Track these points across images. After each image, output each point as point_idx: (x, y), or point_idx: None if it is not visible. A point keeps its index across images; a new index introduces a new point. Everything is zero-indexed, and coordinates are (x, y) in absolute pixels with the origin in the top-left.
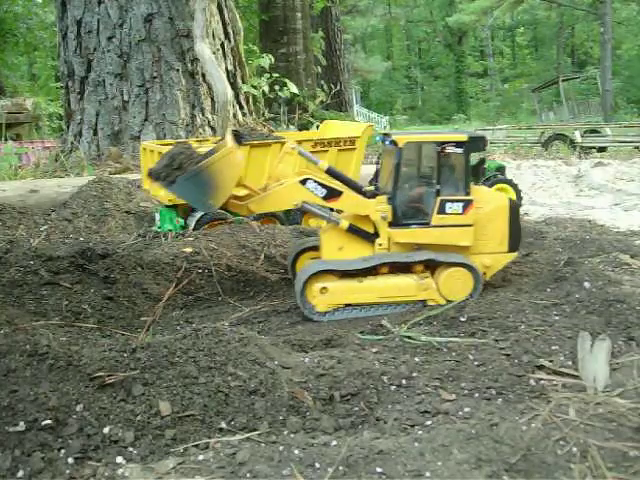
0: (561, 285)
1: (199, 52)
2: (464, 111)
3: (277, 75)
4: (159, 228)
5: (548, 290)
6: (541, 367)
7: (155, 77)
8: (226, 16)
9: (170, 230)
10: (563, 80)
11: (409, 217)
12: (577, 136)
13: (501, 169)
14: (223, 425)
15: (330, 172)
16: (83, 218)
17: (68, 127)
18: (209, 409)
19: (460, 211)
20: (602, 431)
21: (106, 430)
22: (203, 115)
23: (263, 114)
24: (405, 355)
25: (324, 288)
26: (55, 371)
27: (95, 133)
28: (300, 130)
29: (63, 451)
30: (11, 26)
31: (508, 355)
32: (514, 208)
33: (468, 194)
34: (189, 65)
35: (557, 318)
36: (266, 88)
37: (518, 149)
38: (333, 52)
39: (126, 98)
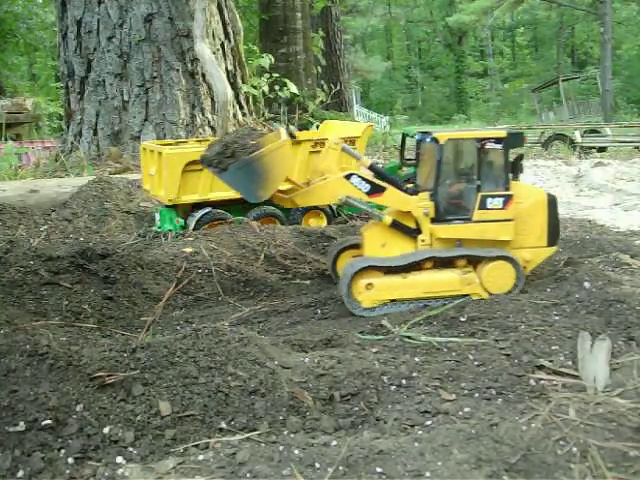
0: (561, 285)
1: (199, 52)
2: (464, 111)
3: (277, 75)
4: (159, 228)
5: (548, 290)
6: (541, 367)
7: (155, 77)
8: (226, 16)
9: (170, 230)
10: (563, 80)
11: (451, 213)
12: (577, 136)
13: None
14: (223, 425)
15: (373, 168)
16: (83, 218)
17: (68, 127)
18: (209, 409)
19: (501, 206)
20: (602, 431)
21: (106, 430)
22: (203, 115)
23: (263, 114)
24: (405, 355)
25: (369, 284)
26: (55, 371)
27: (95, 133)
28: (300, 130)
29: (63, 451)
30: (11, 26)
31: (508, 355)
32: (553, 203)
33: (508, 189)
34: (189, 65)
35: (557, 318)
36: (266, 88)
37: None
38: (333, 52)
39: (126, 98)
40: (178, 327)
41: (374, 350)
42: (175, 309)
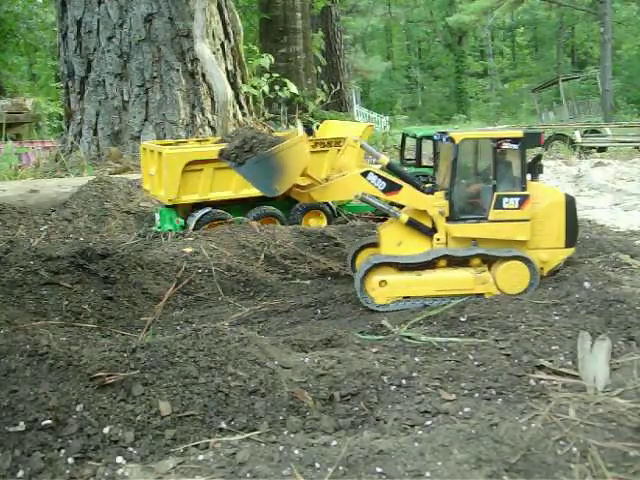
0: (561, 285)
1: (199, 52)
2: (464, 111)
3: (277, 75)
4: (159, 228)
5: (548, 290)
6: (541, 367)
7: (155, 77)
8: (226, 16)
9: (170, 230)
10: (563, 80)
11: (466, 212)
12: (577, 136)
13: None
14: (223, 425)
15: (391, 167)
16: (83, 218)
17: (68, 127)
18: (209, 409)
19: (517, 206)
20: (602, 431)
21: (106, 430)
22: (203, 115)
23: (263, 114)
24: (405, 355)
25: (383, 281)
26: (55, 371)
27: (95, 133)
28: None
29: (63, 451)
30: (11, 26)
31: (508, 355)
32: (571, 204)
33: (525, 189)
34: (189, 65)
35: (557, 318)
36: (266, 88)
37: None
38: (333, 52)
39: (126, 98)
40: (178, 327)
41: (374, 350)
42: (175, 309)
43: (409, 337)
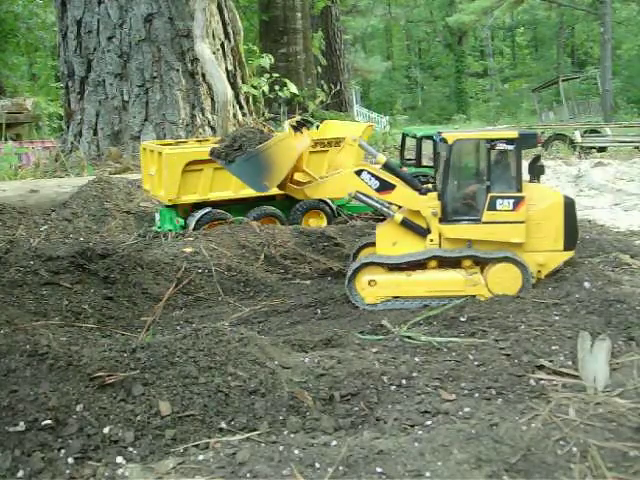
0: (561, 285)
1: (199, 52)
2: (464, 111)
3: (277, 75)
4: (159, 228)
5: (548, 290)
6: (541, 367)
7: (155, 77)
8: (226, 16)
9: (170, 230)
10: (563, 80)
11: (459, 213)
12: (577, 136)
13: None
14: (223, 425)
15: (387, 166)
16: (83, 218)
17: (68, 127)
18: (209, 409)
19: (511, 208)
20: (602, 431)
21: (106, 430)
22: (203, 115)
23: (263, 114)
24: (405, 355)
25: (372, 281)
26: (55, 371)
27: (95, 133)
28: None
29: (63, 451)
30: (11, 26)
31: (508, 355)
32: (570, 206)
33: (520, 191)
34: (189, 65)
35: (557, 318)
36: (266, 88)
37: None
38: (333, 52)
39: (126, 98)
40: (178, 327)
41: (374, 350)
42: (175, 309)
43: (409, 337)
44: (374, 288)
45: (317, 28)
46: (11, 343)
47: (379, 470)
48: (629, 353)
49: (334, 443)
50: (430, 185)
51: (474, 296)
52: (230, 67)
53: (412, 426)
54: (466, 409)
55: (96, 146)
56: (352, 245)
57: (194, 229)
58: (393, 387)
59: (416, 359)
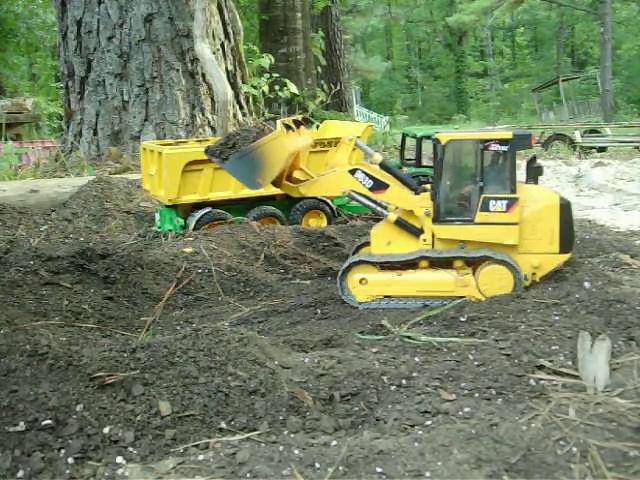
0: (561, 285)
1: (199, 52)
2: (464, 111)
3: (277, 75)
4: (159, 228)
5: (548, 290)
6: (541, 367)
7: (155, 77)
8: (226, 16)
9: (170, 230)
10: (563, 80)
11: (452, 214)
12: (577, 136)
13: None
14: (223, 425)
15: (383, 165)
16: (83, 218)
17: (68, 127)
18: (209, 409)
19: (504, 209)
20: (602, 431)
21: (106, 430)
22: (203, 115)
23: (263, 114)
24: (405, 355)
25: (363, 279)
26: (55, 371)
27: (95, 133)
28: None
29: (63, 451)
30: (12, 26)
31: (508, 355)
32: (566, 208)
33: (513, 192)
34: (189, 65)
35: (557, 318)
36: (266, 88)
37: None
38: (333, 52)
39: (126, 98)
40: (178, 327)
41: (374, 350)
42: (175, 309)
43: (409, 337)
44: (365, 286)
45: (317, 28)
46: (11, 343)
47: (379, 470)
48: (629, 353)
49: (334, 443)
50: (429, 185)
51: (463, 297)
52: (230, 67)
53: (412, 426)
54: (466, 409)
55: (96, 146)
56: (352, 245)
57: (194, 229)
58: (393, 387)
59: (416, 359)
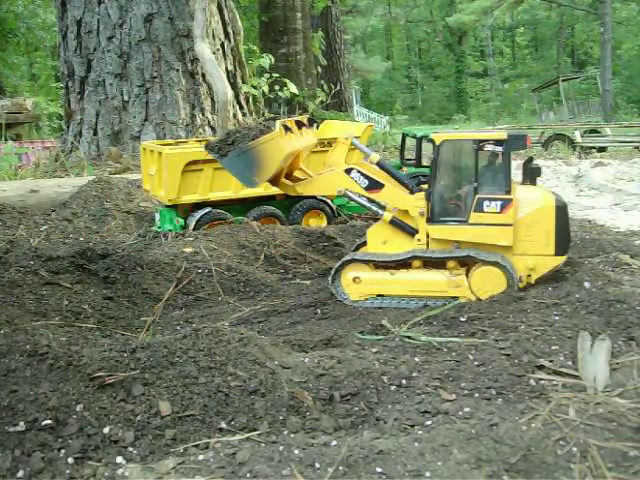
0: (561, 285)
1: (199, 52)
2: (464, 111)
3: (277, 75)
4: (159, 228)
5: (548, 290)
6: (541, 367)
7: (155, 77)
8: (226, 16)
9: (170, 230)
10: (563, 80)
11: (446, 214)
12: (577, 136)
13: None
14: (223, 425)
15: (380, 165)
16: (83, 218)
17: (68, 127)
18: (209, 409)
19: (498, 210)
20: (602, 431)
21: (106, 430)
22: (203, 115)
23: (263, 114)
24: (405, 355)
25: (357, 278)
26: (55, 371)
27: (95, 133)
28: None
29: (63, 451)
30: (12, 26)
31: (508, 355)
32: (562, 210)
33: (508, 193)
34: (189, 65)
35: (557, 318)
36: (266, 88)
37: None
38: (333, 52)
39: (126, 98)
40: (178, 327)
41: (374, 350)
42: (175, 309)
43: (409, 337)
44: (359, 285)
45: (317, 28)
46: (11, 343)
47: (379, 470)
48: (629, 353)
49: (334, 443)
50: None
51: (456, 297)
52: (230, 67)
53: (412, 426)
54: (466, 409)
55: (96, 146)
56: (352, 245)
57: (194, 229)
58: (393, 387)
59: (416, 359)
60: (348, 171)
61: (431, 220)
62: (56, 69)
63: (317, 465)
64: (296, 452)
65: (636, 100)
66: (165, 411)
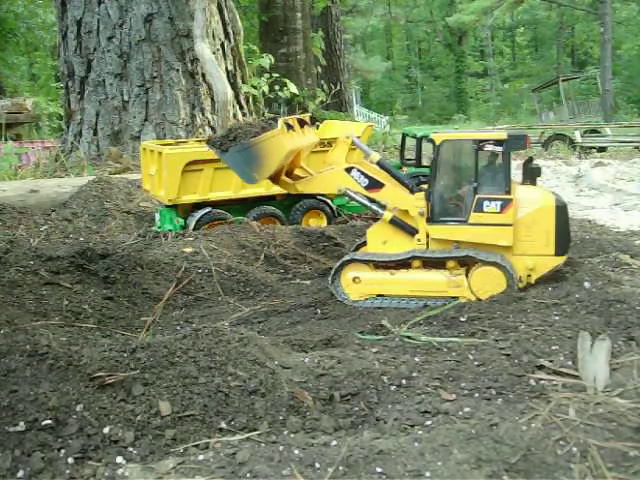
0: (561, 285)
1: (199, 52)
2: (464, 111)
3: (277, 75)
4: (159, 228)
5: (548, 290)
6: (541, 367)
7: (155, 77)
8: (226, 16)
9: (170, 230)
10: (563, 80)
11: (446, 214)
12: (577, 136)
13: None
14: (223, 425)
15: (381, 164)
16: (83, 218)
17: (68, 127)
18: (209, 409)
19: (498, 210)
20: (602, 431)
21: (106, 430)
22: (203, 115)
23: (263, 114)
24: (405, 355)
25: (357, 278)
26: (55, 371)
27: (95, 133)
28: None
29: (63, 451)
30: (12, 26)
31: (508, 355)
32: (562, 210)
33: (508, 193)
34: (189, 65)
35: (557, 318)
36: (266, 88)
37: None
38: (333, 52)
39: (126, 98)
40: (178, 327)
41: (374, 350)
42: (175, 309)
43: (409, 337)
44: (359, 285)
45: (317, 28)
46: (11, 343)
47: (379, 470)
48: (629, 353)
49: (334, 443)
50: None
51: (456, 297)
52: (230, 67)
53: (412, 426)
54: (466, 409)
55: (96, 146)
56: (352, 245)
57: (194, 229)
58: (393, 387)
59: (416, 359)
60: (348, 170)
61: (431, 220)
62: (56, 69)
63: (317, 465)
64: (296, 452)
65: (636, 100)
66: (165, 411)
